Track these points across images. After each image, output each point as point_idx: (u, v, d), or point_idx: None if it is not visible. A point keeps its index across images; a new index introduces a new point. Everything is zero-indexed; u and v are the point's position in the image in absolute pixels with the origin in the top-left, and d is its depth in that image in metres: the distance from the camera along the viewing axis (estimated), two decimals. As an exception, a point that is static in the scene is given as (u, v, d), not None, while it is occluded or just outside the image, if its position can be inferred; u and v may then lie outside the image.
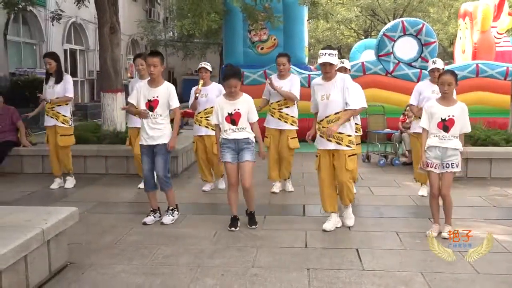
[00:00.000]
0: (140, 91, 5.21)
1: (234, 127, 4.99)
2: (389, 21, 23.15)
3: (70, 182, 7.06)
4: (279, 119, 6.40)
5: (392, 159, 8.90)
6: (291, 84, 6.35)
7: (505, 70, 11.40)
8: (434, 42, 11.67)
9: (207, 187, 6.83)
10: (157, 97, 5.16)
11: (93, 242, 4.72)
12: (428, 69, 6.13)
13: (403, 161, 8.84)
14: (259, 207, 5.59)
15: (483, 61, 12.35)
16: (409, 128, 8.69)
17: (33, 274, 3.63)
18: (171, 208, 5.40)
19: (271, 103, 6.46)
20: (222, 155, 5.05)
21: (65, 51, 18.06)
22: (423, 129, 4.90)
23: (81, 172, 7.77)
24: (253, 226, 5.10)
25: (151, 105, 5.17)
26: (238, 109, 4.98)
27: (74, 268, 4.09)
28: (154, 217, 5.35)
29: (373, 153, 9.26)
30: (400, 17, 25.57)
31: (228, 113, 4.99)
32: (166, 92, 5.20)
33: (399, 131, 9.22)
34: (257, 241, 4.67)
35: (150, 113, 5.15)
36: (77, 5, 11.81)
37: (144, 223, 5.24)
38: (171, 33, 26.79)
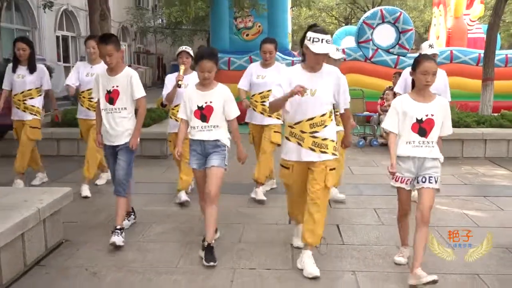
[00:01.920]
0: (99, 81, 4.39)
1: (204, 124, 3.99)
2: (369, 9, 23.50)
3: (39, 179, 6.41)
4: (262, 113, 5.48)
5: (371, 140, 9.20)
6: (278, 73, 5.07)
7: (477, 56, 11.76)
8: (411, 29, 11.99)
9: (183, 197, 5.45)
10: (117, 86, 4.30)
11: (87, 221, 4.88)
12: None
13: (381, 142, 9.10)
14: (245, 186, 5.82)
15: (457, 48, 12.74)
16: (387, 111, 8.99)
17: (30, 251, 3.79)
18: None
19: (253, 95, 5.54)
20: (190, 158, 4.14)
21: (57, 37, 18.41)
22: (390, 133, 3.69)
23: (74, 154, 7.97)
24: (211, 263, 3.77)
25: (111, 96, 4.31)
26: (211, 102, 3.98)
27: (69, 245, 4.25)
28: (123, 237, 4.24)
29: (352, 135, 9.53)
30: (379, 5, 25.90)
31: (198, 107, 3.99)
32: (127, 81, 4.31)
33: (377, 113, 9.53)
34: (244, 218, 4.87)
35: (111, 106, 4.33)
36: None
37: (113, 244, 4.13)
38: (160, 20, 26.85)
